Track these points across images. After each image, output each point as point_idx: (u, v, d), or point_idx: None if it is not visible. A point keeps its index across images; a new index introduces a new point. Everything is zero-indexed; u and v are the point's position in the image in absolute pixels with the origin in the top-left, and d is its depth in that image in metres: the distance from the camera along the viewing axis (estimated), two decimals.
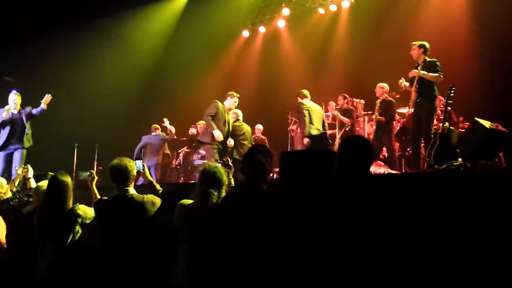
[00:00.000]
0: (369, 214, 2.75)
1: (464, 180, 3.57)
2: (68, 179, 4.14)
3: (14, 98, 7.72)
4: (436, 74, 6.24)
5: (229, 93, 7.63)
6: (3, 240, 4.38)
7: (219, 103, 7.38)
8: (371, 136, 7.74)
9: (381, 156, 7.67)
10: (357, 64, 10.19)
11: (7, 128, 7.61)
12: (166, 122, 9.83)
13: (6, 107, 7.62)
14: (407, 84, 6.54)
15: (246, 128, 8.05)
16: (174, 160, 10.58)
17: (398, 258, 2.83)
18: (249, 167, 3.35)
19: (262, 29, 12.22)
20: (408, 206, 3.11)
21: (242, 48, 12.52)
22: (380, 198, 2.82)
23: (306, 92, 7.83)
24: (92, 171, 4.46)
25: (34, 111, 7.68)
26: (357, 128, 8.62)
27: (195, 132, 10.54)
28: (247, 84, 11.66)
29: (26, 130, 7.67)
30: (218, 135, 7.07)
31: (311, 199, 3.02)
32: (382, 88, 7.84)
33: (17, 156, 7.60)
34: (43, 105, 7.62)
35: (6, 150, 7.63)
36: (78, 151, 8.97)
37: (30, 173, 5.15)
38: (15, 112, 7.71)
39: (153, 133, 9.81)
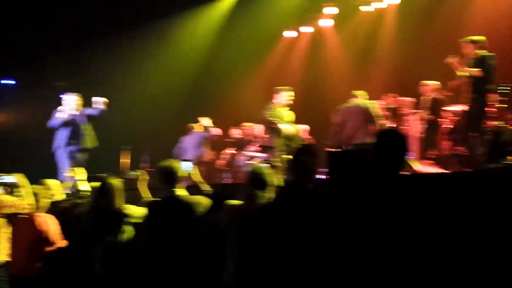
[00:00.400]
0: (408, 215, 2.69)
1: None
2: (117, 181, 4.25)
3: (74, 100, 7.93)
4: (476, 69, 6.04)
5: (276, 88, 7.50)
6: (59, 237, 4.55)
7: (274, 105, 7.30)
8: (420, 135, 7.57)
9: (431, 156, 7.48)
10: (404, 62, 9.99)
11: (68, 129, 7.84)
12: (205, 121, 9.78)
13: (61, 108, 7.84)
14: (454, 59, 6.29)
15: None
16: (220, 161, 10.66)
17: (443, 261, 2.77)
18: (295, 167, 3.35)
19: (306, 29, 12.16)
20: (456, 206, 3.02)
21: (287, 49, 12.48)
22: (416, 199, 2.75)
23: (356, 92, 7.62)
24: (143, 171, 4.56)
25: (94, 111, 7.83)
26: (404, 127, 8.44)
27: (239, 134, 10.61)
28: (291, 85, 11.59)
29: (86, 131, 7.85)
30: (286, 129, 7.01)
31: (349, 199, 2.98)
32: (429, 86, 7.65)
33: (77, 156, 7.81)
34: (101, 105, 7.74)
35: (68, 149, 7.85)
36: (130, 153, 9.19)
37: (80, 175, 5.31)
38: (75, 113, 7.89)
39: (190, 133, 9.91)
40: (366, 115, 7.19)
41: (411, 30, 10.26)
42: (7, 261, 4.16)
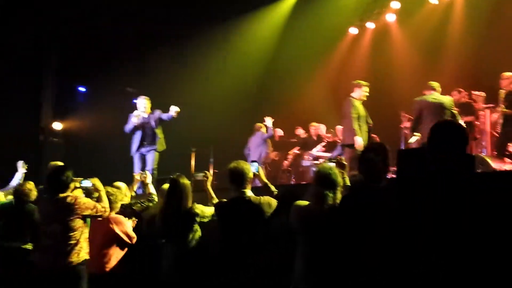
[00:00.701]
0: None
1: None
2: (186, 181, 4.34)
3: (144, 103, 8.11)
4: None
5: (355, 82, 7.28)
6: (131, 237, 4.71)
7: (355, 100, 7.09)
8: (495, 130, 7.21)
9: (507, 152, 7.10)
10: (475, 55, 9.55)
11: (139, 132, 8.05)
12: (268, 121, 9.65)
13: (136, 112, 8.03)
14: None
15: None
16: (285, 161, 10.67)
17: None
18: (362, 166, 3.28)
19: (370, 25, 11.92)
20: None
21: (350, 46, 12.29)
22: (491, 198, 2.62)
23: (433, 84, 7.26)
24: (206, 171, 4.62)
25: (164, 116, 7.96)
26: (477, 122, 8.09)
27: (305, 134, 10.58)
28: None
29: (157, 133, 7.99)
30: (360, 143, 6.76)
31: (417, 199, 2.87)
32: (508, 78, 7.27)
33: (149, 158, 8.00)
34: (173, 113, 7.84)
35: (140, 152, 8.06)
36: (195, 155, 9.39)
37: (149, 178, 5.44)
38: (146, 116, 8.08)
39: (254, 133, 9.93)
40: (443, 110, 6.91)
41: (481, 22, 9.80)
42: (87, 259, 4.34)
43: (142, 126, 8.06)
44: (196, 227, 4.28)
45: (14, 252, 5.22)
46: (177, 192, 4.26)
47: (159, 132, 8.06)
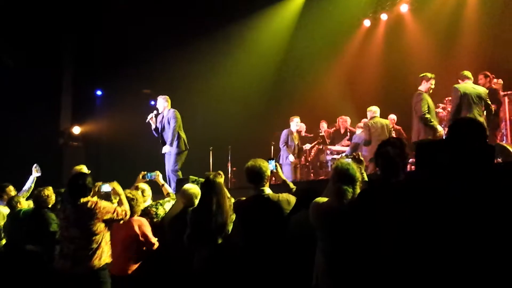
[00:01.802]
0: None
1: None
2: (220, 179, 4.28)
3: (161, 102, 8.03)
4: None
5: (422, 75, 7.02)
6: (153, 239, 4.74)
7: (424, 93, 6.82)
8: None
9: None
10: (491, 43, 9.43)
11: (158, 131, 8.02)
12: (295, 119, 9.46)
13: (153, 113, 7.99)
14: None
15: (381, 123, 7.97)
16: (304, 157, 10.65)
17: None
18: (380, 160, 3.27)
19: (384, 17, 11.83)
20: None
21: (365, 38, 12.22)
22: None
23: (468, 73, 7.01)
24: (220, 171, 4.59)
25: (171, 118, 7.87)
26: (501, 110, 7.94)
27: (323, 129, 10.54)
28: (372, 74, 11.38)
29: (174, 133, 7.83)
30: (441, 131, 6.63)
31: (437, 193, 2.83)
32: None
33: (168, 158, 7.94)
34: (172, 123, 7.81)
35: (164, 152, 8.02)
36: (213, 153, 9.44)
37: (161, 179, 5.45)
38: (163, 114, 8.01)
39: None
40: (481, 100, 6.75)
41: (496, 8, 9.65)
42: (108, 263, 4.40)
43: (161, 126, 8.03)
44: (231, 225, 4.25)
45: (35, 257, 5.32)
46: (214, 191, 4.19)
47: (178, 132, 7.90)
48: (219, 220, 4.13)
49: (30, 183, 6.84)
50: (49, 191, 5.58)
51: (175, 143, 7.82)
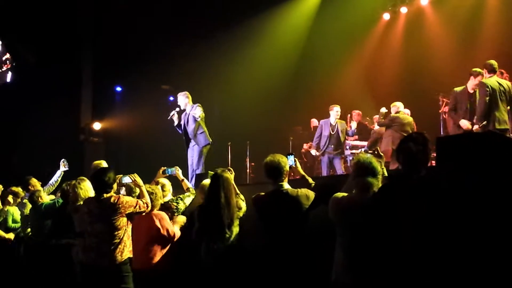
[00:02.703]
0: None
1: None
2: (228, 175, 4.30)
3: (182, 99, 8.02)
4: None
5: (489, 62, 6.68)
6: (174, 230, 4.78)
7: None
8: None
9: None
10: None
11: (183, 128, 8.02)
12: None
13: (175, 110, 8.00)
14: None
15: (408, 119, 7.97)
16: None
17: None
18: (401, 156, 3.24)
19: (403, 10, 11.70)
20: None
21: (384, 32, 12.09)
22: None
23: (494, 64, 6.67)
24: (230, 168, 4.60)
25: (196, 110, 7.84)
26: None
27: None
28: (391, 69, 11.27)
29: (199, 128, 7.84)
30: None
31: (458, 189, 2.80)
32: None
33: (192, 153, 7.94)
34: (197, 113, 7.79)
35: (187, 146, 8.03)
36: (231, 148, 9.45)
37: (181, 174, 5.49)
38: (186, 111, 8.02)
39: None
40: (506, 96, 6.53)
41: None
42: (130, 257, 4.45)
43: (184, 122, 8.04)
44: (237, 222, 4.30)
45: (61, 250, 5.40)
46: (222, 186, 4.21)
47: (202, 126, 7.88)
48: (226, 215, 4.15)
49: (56, 177, 6.96)
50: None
51: (199, 138, 7.83)
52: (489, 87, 6.45)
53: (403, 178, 3.20)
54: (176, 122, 8.06)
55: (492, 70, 6.67)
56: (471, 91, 6.83)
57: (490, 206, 2.60)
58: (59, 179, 6.93)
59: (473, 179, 2.69)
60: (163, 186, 5.23)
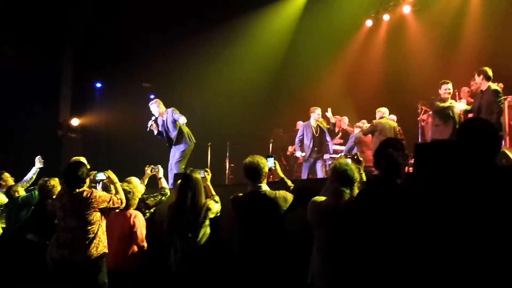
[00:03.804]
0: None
1: None
2: (198, 176, 4.34)
3: (154, 108, 7.99)
4: None
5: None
6: (143, 239, 4.75)
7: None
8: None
9: None
10: (492, 46, 9.43)
11: (163, 134, 8.00)
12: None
13: (150, 122, 7.94)
14: None
15: (390, 125, 8.05)
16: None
17: None
18: (382, 162, 3.25)
19: (386, 17, 11.83)
20: None
21: (366, 38, 12.21)
22: None
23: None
24: (207, 169, 4.62)
25: (176, 116, 7.81)
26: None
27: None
28: (373, 74, 11.38)
29: (179, 131, 7.85)
30: None
31: (437, 194, 2.82)
32: None
33: (174, 153, 7.92)
34: (182, 121, 7.73)
35: (170, 147, 7.98)
36: (212, 149, 9.42)
37: (161, 173, 5.45)
38: (162, 118, 7.99)
39: None
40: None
41: (498, 12, 9.65)
42: (106, 253, 4.39)
43: (163, 129, 8.01)
44: (207, 222, 4.31)
45: (35, 246, 5.34)
46: (190, 187, 4.27)
47: (182, 128, 7.90)
48: (191, 216, 4.18)
49: (31, 174, 6.86)
50: (55, 182, 5.62)
51: (181, 140, 7.84)
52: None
53: (384, 183, 3.20)
54: (156, 132, 8.03)
55: (490, 78, 6.78)
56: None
57: (466, 205, 2.63)
58: (34, 176, 6.83)
59: (456, 179, 2.71)
60: (133, 184, 5.15)
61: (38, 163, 6.90)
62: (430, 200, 2.79)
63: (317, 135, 8.86)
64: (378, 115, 8.42)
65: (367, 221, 3.09)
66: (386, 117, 8.35)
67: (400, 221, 2.93)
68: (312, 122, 8.95)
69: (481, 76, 6.76)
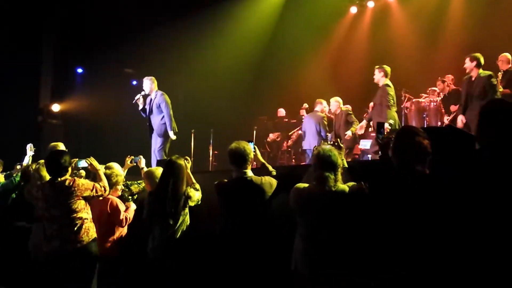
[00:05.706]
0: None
1: None
2: (182, 162, 4.32)
3: (147, 83, 7.82)
4: None
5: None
6: (123, 225, 4.71)
7: None
8: None
9: None
10: (475, 36, 9.47)
11: (146, 112, 7.85)
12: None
13: (140, 94, 7.78)
14: None
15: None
16: (286, 142, 10.65)
17: None
18: (406, 149, 2.94)
19: (371, 4, 11.82)
20: None
21: (350, 25, 12.20)
22: None
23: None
24: (187, 157, 4.57)
25: (163, 105, 7.67)
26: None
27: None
28: (357, 61, 11.37)
29: (159, 116, 7.73)
30: None
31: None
32: (502, 58, 7.23)
33: (155, 140, 7.81)
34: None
35: (151, 133, 7.90)
36: (195, 136, 9.35)
37: (143, 163, 5.40)
38: (150, 96, 7.83)
39: None
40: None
41: (482, 1, 9.70)
42: (96, 238, 4.32)
43: (149, 107, 7.86)
44: (187, 210, 4.29)
45: (18, 232, 5.33)
46: (172, 174, 4.24)
47: (165, 115, 7.71)
48: (170, 203, 4.17)
49: (25, 162, 6.73)
50: (39, 165, 5.50)
51: (168, 127, 7.69)
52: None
53: (412, 171, 2.90)
54: (141, 106, 7.86)
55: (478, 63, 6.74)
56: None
57: (447, 194, 2.61)
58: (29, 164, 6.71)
59: (448, 172, 2.68)
60: (114, 169, 5.08)
61: (30, 151, 6.78)
62: (460, 187, 2.67)
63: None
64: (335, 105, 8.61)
65: (380, 208, 2.97)
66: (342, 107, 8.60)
67: (431, 210, 2.77)
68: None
69: (474, 63, 6.73)
